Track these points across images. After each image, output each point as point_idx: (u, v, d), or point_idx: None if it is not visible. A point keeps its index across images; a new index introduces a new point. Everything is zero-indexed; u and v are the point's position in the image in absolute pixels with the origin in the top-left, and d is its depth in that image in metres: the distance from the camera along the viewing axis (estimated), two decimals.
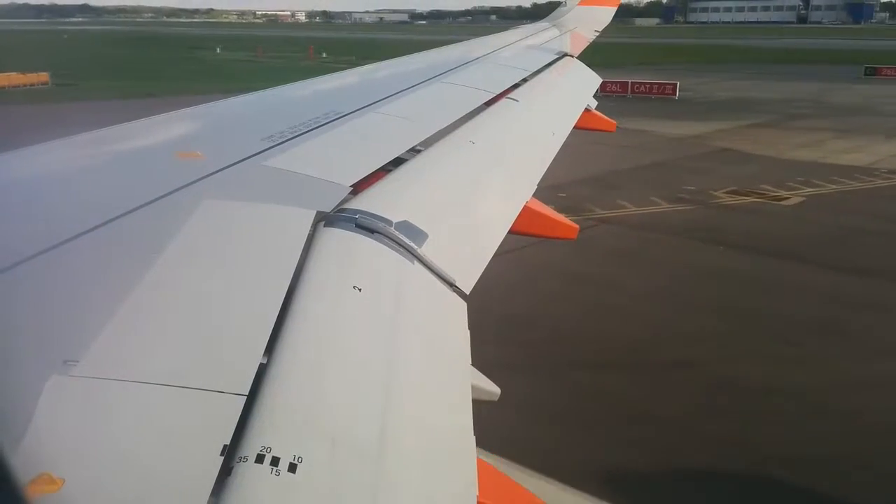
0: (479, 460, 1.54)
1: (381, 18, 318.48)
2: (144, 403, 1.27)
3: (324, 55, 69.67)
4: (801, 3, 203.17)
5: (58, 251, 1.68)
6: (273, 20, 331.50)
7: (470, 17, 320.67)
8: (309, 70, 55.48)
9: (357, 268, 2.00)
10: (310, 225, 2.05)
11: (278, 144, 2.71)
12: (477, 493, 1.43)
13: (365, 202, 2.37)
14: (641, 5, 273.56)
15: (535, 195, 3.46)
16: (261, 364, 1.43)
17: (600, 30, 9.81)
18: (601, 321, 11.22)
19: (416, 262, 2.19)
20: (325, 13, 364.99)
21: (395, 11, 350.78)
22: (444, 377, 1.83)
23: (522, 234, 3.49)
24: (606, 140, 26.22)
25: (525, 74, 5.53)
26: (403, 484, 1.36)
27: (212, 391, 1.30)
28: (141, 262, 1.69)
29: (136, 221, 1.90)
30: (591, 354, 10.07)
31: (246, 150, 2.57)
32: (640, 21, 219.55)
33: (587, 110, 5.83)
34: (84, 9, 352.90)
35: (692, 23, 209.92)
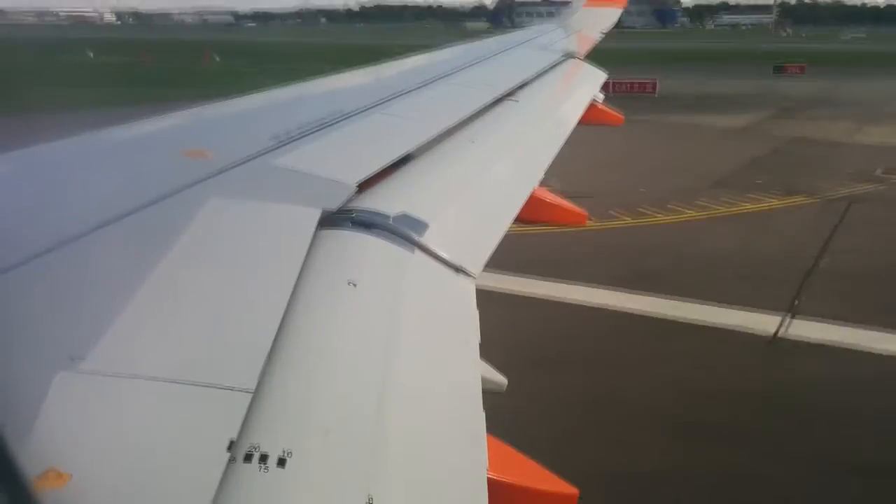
0: (489, 437, 1.56)
1: (206, 20, 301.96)
2: (151, 399, 1.29)
3: (217, 58, 65.70)
4: None
5: (64, 249, 1.68)
6: (80, 20, 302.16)
7: (299, 20, 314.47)
8: (215, 74, 52.90)
9: (351, 264, 2.02)
10: (315, 224, 2.08)
11: (286, 143, 2.74)
12: (487, 467, 1.45)
13: (369, 200, 2.42)
14: (467, 9, 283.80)
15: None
16: None
17: (606, 30, 9.89)
18: None
19: (416, 251, 2.22)
20: (136, 14, 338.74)
21: (216, 13, 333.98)
22: (450, 359, 1.85)
23: (533, 223, 3.68)
24: (666, 136, 27.55)
25: (530, 75, 5.67)
26: (405, 468, 1.37)
27: (218, 388, 1.31)
28: (148, 259, 1.71)
29: (143, 219, 1.92)
30: None
31: (253, 148, 2.60)
32: (470, 24, 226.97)
33: (594, 105, 5.92)
34: None
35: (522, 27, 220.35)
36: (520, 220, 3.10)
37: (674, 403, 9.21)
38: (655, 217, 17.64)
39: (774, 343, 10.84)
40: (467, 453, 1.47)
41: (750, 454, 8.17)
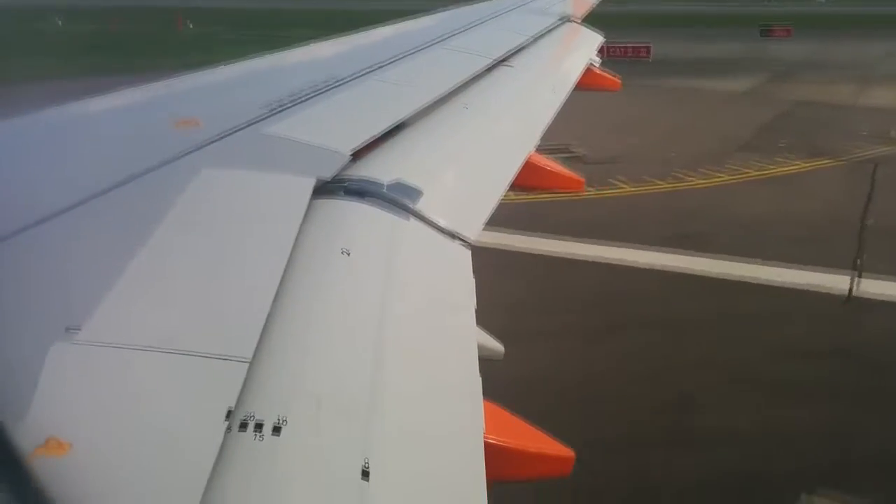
0: (487, 402, 1.57)
1: None
2: (148, 369, 1.30)
3: (190, 25, 63.80)
4: None
5: (58, 220, 1.69)
6: None
7: None
8: (188, 42, 51.44)
9: (346, 232, 2.02)
10: (310, 193, 2.08)
11: (278, 111, 2.72)
12: (483, 430, 1.46)
13: (363, 169, 2.41)
14: None
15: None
16: None
17: None
18: None
19: (411, 218, 2.22)
20: None
21: None
22: (445, 323, 1.87)
23: (530, 189, 3.71)
24: (672, 100, 27.67)
25: (526, 39, 5.64)
26: (401, 432, 1.38)
27: (215, 357, 1.32)
28: (142, 230, 1.71)
29: (137, 189, 1.92)
30: None
31: (245, 117, 2.58)
32: None
33: (590, 69, 5.90)
34: None
35: None
36: (517, 186, 3.11)
37: (771, 364, 9.32)
38: (691, 181, 17.69)
39: (851, 301, 11.04)
40: (464, 417, 1.48)
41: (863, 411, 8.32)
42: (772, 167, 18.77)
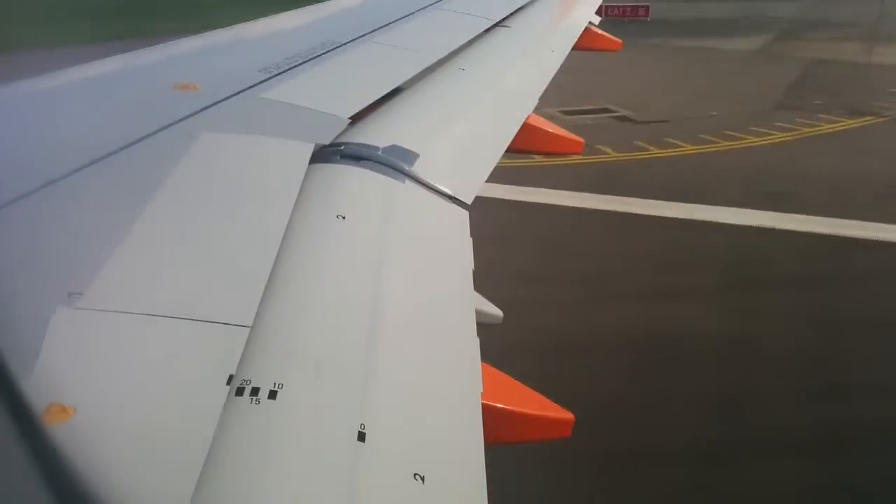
0: (486, 365, 1.57)
1: None
2: (150, 335, 1.30)
3: None
4: None
5: (57, 185, 1.69)
6: None
7: None
8: (171, 5, 49.18)
9: (343, 197, 2.01)
10: (308, 158, 2.08)
11: (275, 76, 2.72)
12: (481, 393, 1.46)
13: (360, 134, 2.42)
14: None
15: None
16: None
17: None
18: None
19: (406, 180, 2.22)
20: None
21: None
22: (442, 287, 1.87)
23: (528, 152, 3.77)
24: (688, 60, 27.70)
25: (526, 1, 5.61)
26: (398, 396, 1.37)
27: (216, 323, 1.32)
28: (142, 195, 1.71)
29: (135, 155, 1.92)
30: None
31: (243, 81, 2.59)
32: None
33: (589, 28, 5.88)
34: None
35: None
36: (517, 150, 3.15)
37: None
38: (748, 139, 17.65)
39: None
40: (462, 380, 1.49)
41: None
42: (821, 125, 18.83)
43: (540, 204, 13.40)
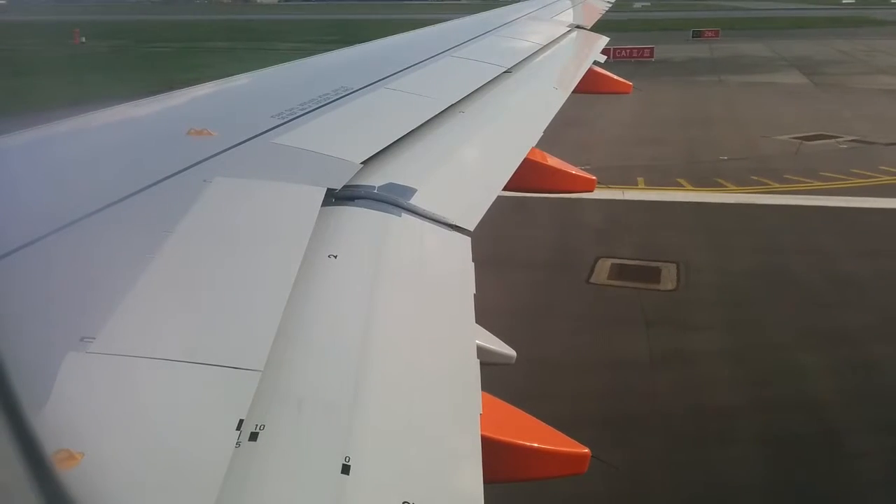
0: (495, 399, 1.61)
1: None
2: (160, 379, 1.31)
3: (83, 40, 60.44)
4: None
5: (72, 229, 1.72)
6: None
7: None
8: (81, 57, 47.14)
9: (332, 237, 2.03)
10: (319, 202, 2.11)
11: (288, 121, 2.77)
12: (479, 422, 1.45)
13: (371, 176, 2.48)
14: None
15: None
16: None
17: (613, 0, 10.56)
18: None
19: (403, 213, 2.29)
20: None
21: None
22: (442, 315, 1.89)
23: (538, 192, 3.86)
24: (736, 95, 30.53)
25: (535, 48, 5.80)
26: (391, 430, 1.39)
27: (226, 367, 1.32)
28: (155, 239, 1.73)
29: (149, 199, 1.95)
30: None
31: (256, 127, 2.64)
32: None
33: (594, 68, 6.00)
34: None
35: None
36: (524, 188, 3.27)
37: None
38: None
39: None
40: (460, 411, 1.49)
41: None
42: None
43: None
